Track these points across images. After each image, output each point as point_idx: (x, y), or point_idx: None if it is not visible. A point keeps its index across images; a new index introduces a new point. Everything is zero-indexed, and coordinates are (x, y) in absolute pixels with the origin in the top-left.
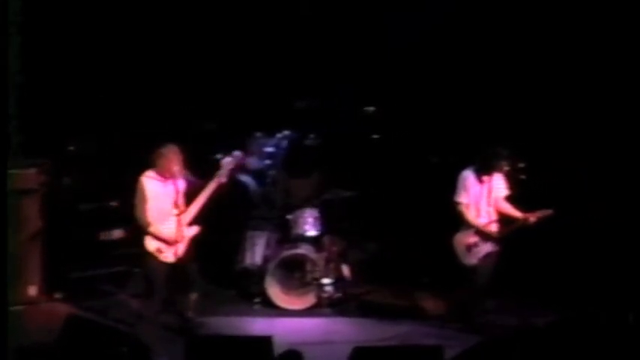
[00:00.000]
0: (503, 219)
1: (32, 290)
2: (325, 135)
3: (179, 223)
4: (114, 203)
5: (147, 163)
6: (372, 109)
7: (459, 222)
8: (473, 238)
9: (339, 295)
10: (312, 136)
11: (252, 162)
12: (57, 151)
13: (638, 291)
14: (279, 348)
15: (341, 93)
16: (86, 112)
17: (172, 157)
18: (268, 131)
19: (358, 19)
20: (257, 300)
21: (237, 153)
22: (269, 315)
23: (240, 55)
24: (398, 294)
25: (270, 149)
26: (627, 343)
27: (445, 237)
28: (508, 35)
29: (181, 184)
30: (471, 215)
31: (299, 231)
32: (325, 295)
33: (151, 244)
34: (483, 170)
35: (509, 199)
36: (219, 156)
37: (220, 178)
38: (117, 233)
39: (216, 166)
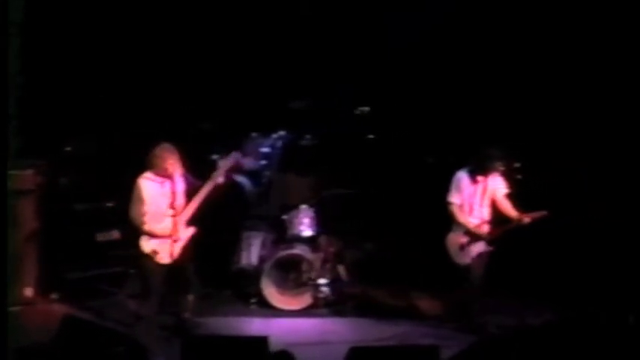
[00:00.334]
0: (497, 219)
1: (28, 291)
2: (321, 135)
3: (175, 224)
4: (110, 204)
5: (143, 164)
6: (367, 109)
7: (452, 222)
8: (464, 239)
9: (335, 295)
10: (307, 136)
11: (248, 162)
12: (54, 152)
13: (637, 291)
14: (275, 348)
15: (337, 93)
16: (83, 113)
17: (166, 157)
18: (264, 132)
19: (353, 19)
20: (253, 300)
21: (234, 153)
22: (265, 315)
23: (236, 56)
24: (394, 294)
25: (265, 149)
26: (626, 344)
27: (441, 237)
28: (506, 35)
29: (180, 185)
30: (461, 216)
31: (295, 231)
32: (321, 295)
33: (146, 245)
34: (478, 171)
35: (508, 197)
36: (215, 157)
37: (217, 178)
38: (113, 234)
39: (212, 167)
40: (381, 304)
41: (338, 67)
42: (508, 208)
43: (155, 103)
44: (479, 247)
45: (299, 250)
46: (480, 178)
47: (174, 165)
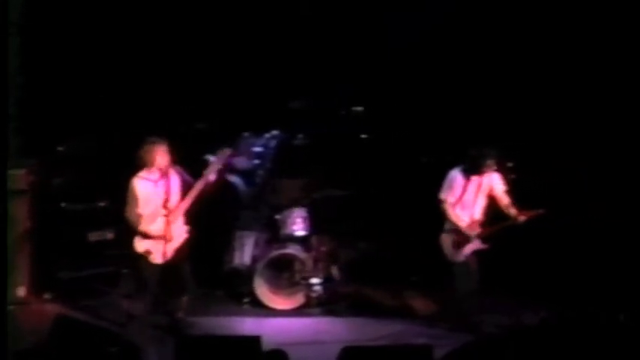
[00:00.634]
0: (491, 217)
1: (21, 291)
2: (314, 135)
3: (167, 223)
4: (104, 204)
5: (137, 164)
6: (360, 109)
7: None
8: (456, 237)
9: (327, 294)
10: (300, 136)
11: (241, 162)
12: (47, 152)
13: (629, 291)
14: (267, 348)
15: (331, 93)
16: (77, 113)
17: (154, 150)
18: (257, 131)
19: (348, 19)
20: (246, 300)
21: (226, 150)
22: (258, 315)
23: (230, 56)
24: (387, 293)
25: (258, 149)
26: (618, 342)
27: (435, 236)
28: (504, 35)
29: (175, 183)
30: (453, 214)
31: (287, 231)
32: (314, 294)
33: (140, 245)
34: (471, 170)
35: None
36: (208, 157)
37: (208, 175)
38: (107, 234)
39: (205, 166)
40: (374, 304)
41: (333, 67)
42: (508, 205)
43: (149, 103)
44: (473, 245)
45: (292, 249)
46: (473, 177)
47: (163, 158)
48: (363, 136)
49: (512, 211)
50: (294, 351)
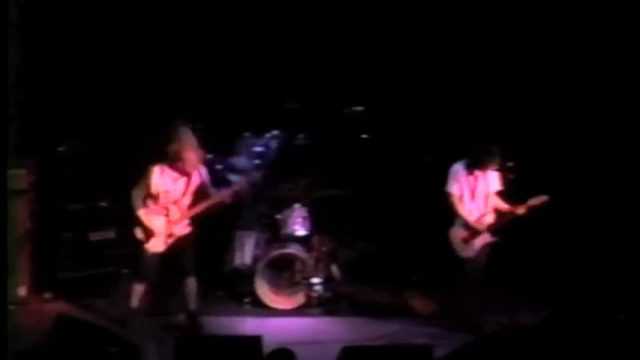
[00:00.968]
0: (497, 212)
1: (22, 290)
2: (314, 135)
3: (169, 222)
4: (104, 204)
5: (137, 164)
6: (360, 109)
7: (449, 219)
8: (465, 232)
9: (328, 294)
10: (301, 136)
11: (241, 162)
12: (47, 152)
13: (629, 290)
14: (268, 348)
15: (332, 93)
16: (77, 113)
17: (187, 142)
18: (257, 131)
19: (347, 19)
20: (246, 300)
21: (254, 173)
22: (258, 315)
23: (230, 56)
24: (387, 293)
25: (259, 149)
26: (618, 342)
27: (435, 236)
28: (503, 36)
29: (195, 180)
30: (461, 208)
31: (288, 231)
32: (314, 294)
33: (139, 232)
34: (474, 166)
35: (501, 194)
36: (209, 156)
37: (226, 194)
38: (107, 234)
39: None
40: (375, 304)
41: (333, 67)
42: (498, 204)
43: (149, 103)
44: (483, 239)
45: (292, 249)
46: (477, 172)
47: (192, 156)
48: (363, 136)
49: (504, 207)
50: (295, 350)
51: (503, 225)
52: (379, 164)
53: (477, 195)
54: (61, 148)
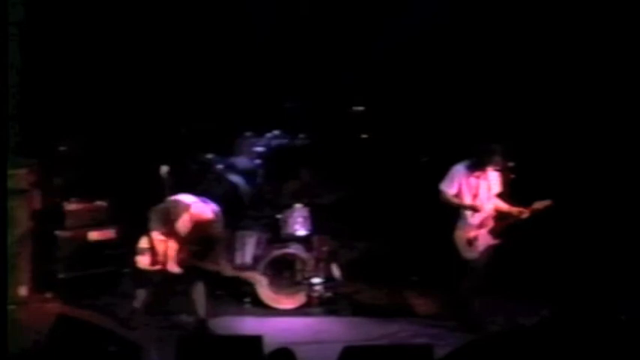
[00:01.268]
0: (500, 214)
1: (22, 290)
2: (315, 135)
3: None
4: (104, 203)
5: (138, 164)
6: (360, 109)
7: (449, 219)
8: (472, 233)
9: (329, 294)
10: (301, 136)
11: (242, 162)
12: (47, 152)
13: (629, 290)
14: (269, 347)
15: (331, 93)
16: (77, 113)
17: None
18: (258, 131)
19: (346, 19)
20: (247, 299)
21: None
22: (259, 314)
23: (231, 55)
24: (388, 293)
25: (260, 149)
26: (619, 342)
27: (435, 236)
28: (502, 34)
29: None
30: (455, 199)
31: (289, 230)
32: (315, 294)
33: (143, 242)
34: (477, 166)
35: (501, 196)
36: (210, 156)
37: None
38: (107, 234)
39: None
40: (375, 303)
41: (333, 68)
42: (500, 205)
43: (149, 103)
44: (487, 240)
45: (293, 249)
46: (479, 173)
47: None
48: (363, 136)
49: (506, 208)
50: (296, 350)
51: (505, 227)
52: (379, 164)
53: (481, 197)
54: (61, 148)
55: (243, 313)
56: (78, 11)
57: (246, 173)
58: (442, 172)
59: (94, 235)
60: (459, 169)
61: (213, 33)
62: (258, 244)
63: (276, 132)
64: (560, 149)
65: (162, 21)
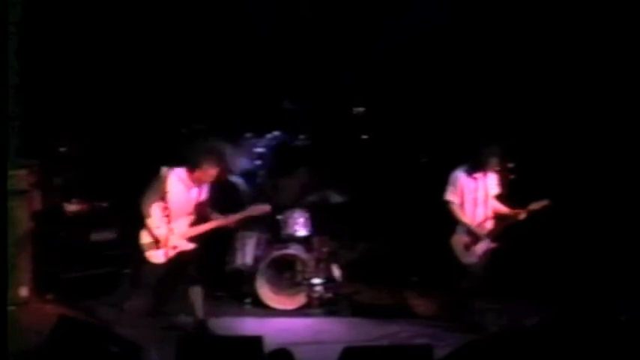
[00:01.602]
0: (498, 216)
1: (23, 291)
2: (315, 135)
3: (173, 234)
4: (104, 204)
5: (138, 164)
6: (360, 109)
7: (449, 221)
8: (467, 238)
9: (329, 295)
10: (301, 136)
11: (242, 162)
12: (48, 152)
13: (630, 290)
14: (269, 348)
15: (332, 93)
16: (77, 113)
17: (219, 166)
18: (258, 132)
19: (346, 20)
20: (247, 300)
21: (267, 206)
22: (259, 315)
23: (230, 56)
24: (388, 294)
25: (260, 150)
26: (619, 342)
27: (435, 237)
28: (502, 35)
29: (203, 196)
30: (462, 215)
31: (289, 231)
32: (315, 295)
33: (145, 237)
34: (476, 168)
35: (500, 197)
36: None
37: (230, 219)
38: (107, 234)
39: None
40: (375, 304)
41: (333, 68)
42: (498, 207)
43: (149, 104)
44: (485, 245)
45: (293, 249)
46: (478, 175)
47: (214, 175)
48: (363, 136)
49: (505, 211)
50: (296, 351)
51: (503, 230)
52: (379, 165)
53: (479, 201)
54: (62, 149)
55: (243, 313)
56: (78, 11)
57: (246, 174)
58: (442, 173)
59: (94, 236)
60: (458, 175)
61: (213, 33)
62: (258, 244)
63: (276, 132)
64: (560, 149)
65: (162, 21)
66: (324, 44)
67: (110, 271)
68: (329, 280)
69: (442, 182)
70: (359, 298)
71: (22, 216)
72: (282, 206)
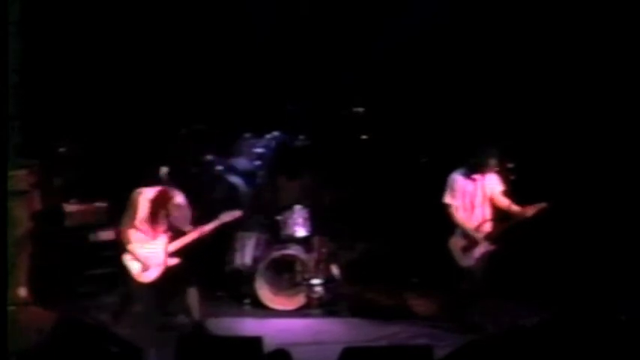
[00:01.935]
0: (498, 217)
1: (23, 291)
2: (314, 136)
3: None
4: (104, 204)
5: (137, 163)
6: (361, 110)
7: (448, 223)
8: (465, 241)
9: (328, 295)
10: (301, 137)
11: (242, 163)
12: (48, 152)
13: (630, 290)
14: (268, 348)
15: (332, 94)
16: (77, 113)
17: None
18: (258, 132)
19: (346, 20)
20: (247, 301)
21: (236, 212)
22: (259, 315)
23: (230, 56)
24: (388, 294)
25: (259, 150)
26: (619, 342)
27: (435, 237)
28: (501, 35)
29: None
30: (460, 218)
31: (289, 232)
32: (315, 295)
33: (129, 261)
34: (474, 169)
35: (505, 194)
36: (209, 157)
37: (205, 229)
38: (107, 234)
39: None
40: (375, 305)
41: (333, 68)
42: (507, 204)
43: (149, 104)
44: (482, 248)
45: (293, 250)
46: (476, 177)
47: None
48: (362, 137)
49: (515, 209)
50: (295, 351)
51: (502, 232)
52: (379, 165)
53: (477, 203)
54: (61, 149)
55: (242, 314)
56: (78, 11)
57: (245, 174)
58: (442, 173)
59: (93, 236)
60: (455, 178)
61: (213, 33)
62: (257, 245)
63: (275, 133)
64: (560, 150)
65: (163, 22)
66: (323, 44)
67: (109, 271)
68: (328, 280)
69: (442, 182)
70: (358, 299)
71: (22, 216)
72: (282, 207)
